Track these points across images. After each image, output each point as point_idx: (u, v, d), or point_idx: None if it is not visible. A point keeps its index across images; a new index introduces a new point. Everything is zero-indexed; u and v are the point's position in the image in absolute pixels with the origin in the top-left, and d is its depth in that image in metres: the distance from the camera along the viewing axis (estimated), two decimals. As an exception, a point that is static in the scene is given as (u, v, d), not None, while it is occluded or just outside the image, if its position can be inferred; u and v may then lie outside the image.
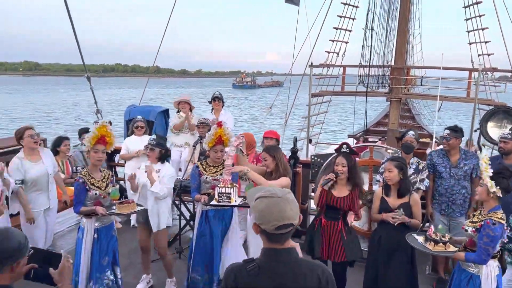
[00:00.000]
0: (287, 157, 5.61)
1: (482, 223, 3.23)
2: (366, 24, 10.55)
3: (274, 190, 1.92)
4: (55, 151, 5.75)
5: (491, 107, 6.61)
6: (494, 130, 5.52)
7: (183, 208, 5.84)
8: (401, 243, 3.79)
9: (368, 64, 10.35)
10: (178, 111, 6.77)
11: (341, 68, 12.17)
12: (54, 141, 5.95)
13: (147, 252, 4.64)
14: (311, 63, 7.73)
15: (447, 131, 4.69)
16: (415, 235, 3.68)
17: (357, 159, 6.18)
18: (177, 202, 5.49)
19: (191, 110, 6.70)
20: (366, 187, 5.39)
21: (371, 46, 10.32)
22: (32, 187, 4.68)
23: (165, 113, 7.45)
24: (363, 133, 12.48)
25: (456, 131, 4.68)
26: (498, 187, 3.21)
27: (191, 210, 5.92)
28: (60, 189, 5.29)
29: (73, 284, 3.83)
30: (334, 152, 4.35)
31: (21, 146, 4.72)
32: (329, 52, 12.13)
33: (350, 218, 4.09)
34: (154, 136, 4.44)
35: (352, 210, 4.06)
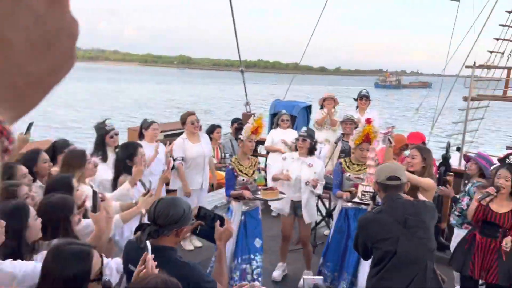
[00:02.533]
0: (437, 164, 5.22)
1: None
2: None
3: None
4: (209, 138, 6.34)
5: None
6: None
7: (319, 204, 5.90)
8: None
9: None
10: (321, 107, 6.82)
11: (505, 71, 10.80)
12: (208, 128, 6.55)
13: (287, 241, 4.80)
14: (474, 63, 6.96)
15: None
16: None
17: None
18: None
19: (334, 107, 6.69)
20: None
21: None
22: (190, 166, 5.23)
23: (308, 108, 7.58)
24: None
25: None
26: None
27: (327, 206, 5.94)
28: (211, 172, 5.80)
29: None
30: (496, 163, 3.89)
31: (184, 130, 5.35)
32: (491, 52, 10.84)
33: (508, 239, 3.61)
34: (305, 128, 4.58)
35: None
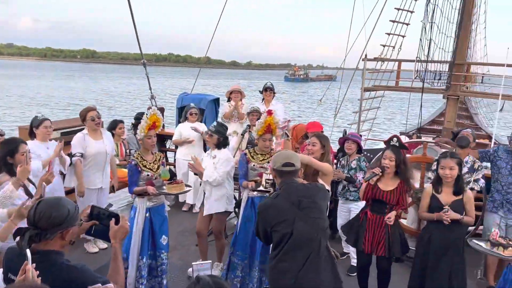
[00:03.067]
0: (335, 151, 5.56)
1: None
2: (425, 16, 10.09)
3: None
4: (111, 134, 6.03)
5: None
6: (563, 132, 5.15)
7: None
8: (453, 243, 3.64)
9: (426, 59, 9.92)
10: (229, 100, 6.88)
11: (396, 63, 11.80)
12: (110, 124, 6.24)
13: (203, 236, 4.74)
14: (365, 55, 7.50)
15: None
16: (476, 241, 3.52)
17: (409, 155, 6.00)
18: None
19: (241, 99, 6.79)
20: (417, 185, 5.22)
21: (430, 39, 9.87)
22: (90, 163, 4.94)
23: (216, 102, 7.59)
24: (416, 131, 12.02)
25: None
26: None
27: (237, 197, 6.02)
28: (112, 172, 5.50)
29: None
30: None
31: (85, 126, 5.05)
32: (384, 46, 11.75)
33: (392, 214, 3.94)
34: (215, 123, 4.57)
35: (400, 204, 3.96)
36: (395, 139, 3.94)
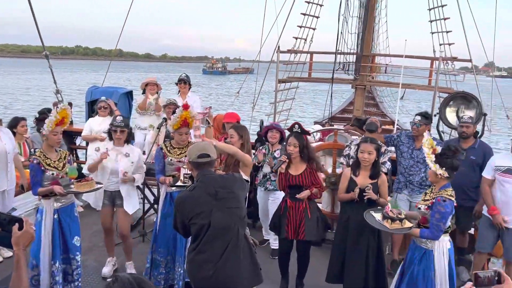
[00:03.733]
0: (253, 141, 5.65)
1: (434, 200, 3.37)
2: (346, 10, 10.67)
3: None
4: (12, 133, 5.50)
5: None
6: (452, 115, 5.75)
7: (146, 192, 5.78)
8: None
9: (348, 51, 10.45)
10: (143, 92, 6.64)
11: (308, 55, 12.26)
12: (10, 122, 5.69)
13: (110, 234, 4.57)
14: (278, 47, 7.62)
15: (418, 117, 4.78)
16: (373, 213, 3.69)
17: (321, 142, 6.29)
18: (140, 186, 5.41)
19: (158, 92, 6.59)
20: (330, 170, 5.50)
21: (341, 32, 10.43)
22: None
23: (129, 94, 7.28)
24: (328, 120, 12.65)
25: (426, 117, 4.81)
26: (444, 168, 3.33)
27: (155, 193, 5.86)
28: (18, 172, 5.07)
29: (30, 267, 3.74)
30: None
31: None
32: (296, 38, 12.14)
33: (305, 192, 4.08)
34: (121, 118, 4.35)
35: (315, 183, 4.14)
36: (297, 126, 4.10)
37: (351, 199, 3.97)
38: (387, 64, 12.63)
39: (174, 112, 4.32)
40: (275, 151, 4.96)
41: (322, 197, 5.81)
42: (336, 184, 5.26)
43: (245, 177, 3.99)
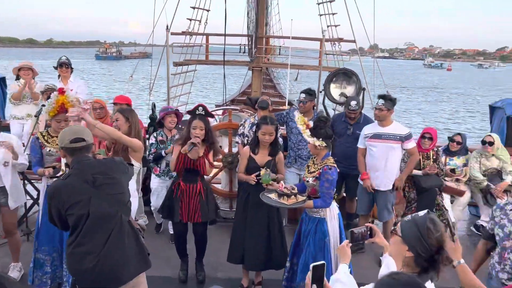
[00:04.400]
0: (146, 125, 5.41)
1: (320, 170, 3.54)
2: None
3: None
4: None
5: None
6: (335, 91, 6.13)
7: (29, 187, 5.27)
8: None
9: (225, 33, 10.39)
10: (18, 78, 5.96)
11: (204, 37, 12.10)
12: None
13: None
14: (167, 27, 7.24)
15: (303, 95, 4.97)
16: (267, 194, 3.76)
17: (216, 122, 6.27)
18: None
19: (33, 78, 5.96)
20: (226, 150, 5.51)
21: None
22: None
23: (1, 81, 6.50)
24: (229, 102, 12.71)
25: (310, 94, 5.02)
26: (321, 139, 3.51)
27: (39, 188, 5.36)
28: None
29: None
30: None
31: None
32: (190, 20, 11.88)
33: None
34: None
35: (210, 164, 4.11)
36: (200, 108, 3.99)
37: (249, 181, 3.98)
38: (280, 46, 13.01)
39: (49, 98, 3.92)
40: (174, 135, 4.80)
41: (221, 177, 5.84)
42: (233, 163, 5.30)
43: (135, 162, 3.81)
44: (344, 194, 5.41)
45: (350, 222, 5.35)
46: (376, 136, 4.56)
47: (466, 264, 2.26)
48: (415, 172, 4.94)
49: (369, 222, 5.07)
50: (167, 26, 6.87)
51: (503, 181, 5.21)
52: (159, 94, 18.56)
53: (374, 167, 4.61)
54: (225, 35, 9.61)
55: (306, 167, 3.78)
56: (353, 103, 5.03)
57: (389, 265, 2.20)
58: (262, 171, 3.81)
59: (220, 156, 5.28)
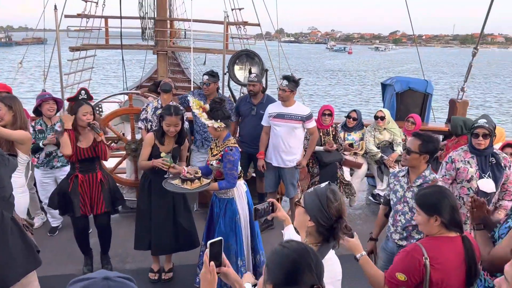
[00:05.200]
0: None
1: (222, 152, 3.55)
2: None
3: None
4: None
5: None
6: (240, 73, 6.16)
7: None
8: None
9: (121, 16, 9.88)
10: None
11: (103, 20, 11.40)
12: None
13: None
14: (55, 6, 6.52)
15: (206, 77, 4.91)
16: (170, 181, 3.67)
17: (119, 108, 5.97)
18: None
19: None
20: (129, 137, 5.27)
21: None
22: None
23: None
24: (136, 89, 12.18)
25: (214, 76, 4.98)
26: (219, 120, 3.50)
27: None
28: None
29: None
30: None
31: None
32: (86, 1, 11.09)
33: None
34: None
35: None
36: (83, 92, 3.74)
37: (149, 167, 3.82)
38: (185, 30, 12.73)
39: None
40: (55, 124, 4.45)
41: (126, 166, 5.59)
42: (137, 151, 5.08)
43: (22, 155, 3.50)
44: (254, 175, 5.50)
45: (261, 202, 5.46)
46: (280, 116, 4.68)
47: (368, 256, 2.38)
48: (317, 148, 5.18)
49: (277, 199, 5.28)
50: (55, 6, 6.29)
51: (394, 152, 5.68)
52: (54, 83, 17.14)
53: (278, 146, 4.75)
54: (121, 17, 9.13)
55: (209, 150, 3.75)
56: (252, 75, 5.10)
57: (290, 235, 2.28)
58: (163, 154, 3.71)
59: (123, 144, 5.04)
